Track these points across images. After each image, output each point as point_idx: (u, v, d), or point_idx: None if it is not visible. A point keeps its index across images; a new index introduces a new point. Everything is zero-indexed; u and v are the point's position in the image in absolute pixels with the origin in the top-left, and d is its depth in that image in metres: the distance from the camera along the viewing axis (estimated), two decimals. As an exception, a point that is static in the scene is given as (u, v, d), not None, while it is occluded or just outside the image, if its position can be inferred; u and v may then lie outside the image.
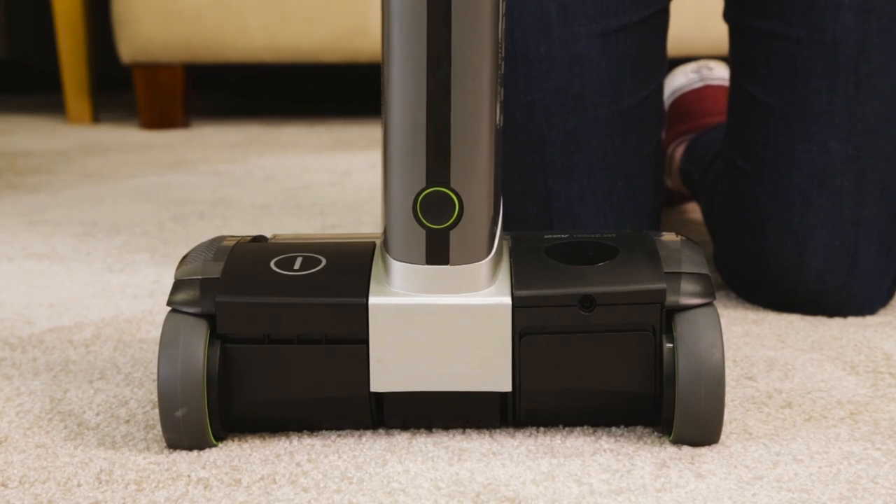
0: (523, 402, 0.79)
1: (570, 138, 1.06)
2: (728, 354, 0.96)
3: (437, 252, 0.76)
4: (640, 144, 1.10)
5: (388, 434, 0.80)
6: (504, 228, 0.80)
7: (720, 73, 1.52)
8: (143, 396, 0.88)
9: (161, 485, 0.73)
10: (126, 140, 2.29)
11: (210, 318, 0.77)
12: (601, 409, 0.80)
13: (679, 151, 1.40)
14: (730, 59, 1.15)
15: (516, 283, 0.77)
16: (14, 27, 3.04)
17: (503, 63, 0.77)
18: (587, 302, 0.77)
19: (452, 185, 0.75)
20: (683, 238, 0.82)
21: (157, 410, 0.84)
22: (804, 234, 1.06)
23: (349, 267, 0.79)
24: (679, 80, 1.52)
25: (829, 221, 1.05)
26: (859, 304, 1.07)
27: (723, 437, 0.79)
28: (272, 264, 0.79)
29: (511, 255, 0.79)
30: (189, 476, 0.74)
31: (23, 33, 3.03)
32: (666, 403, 0.78)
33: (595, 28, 1.05)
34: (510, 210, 1.05)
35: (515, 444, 0.79)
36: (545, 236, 0.82)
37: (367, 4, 2.33)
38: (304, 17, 2.33)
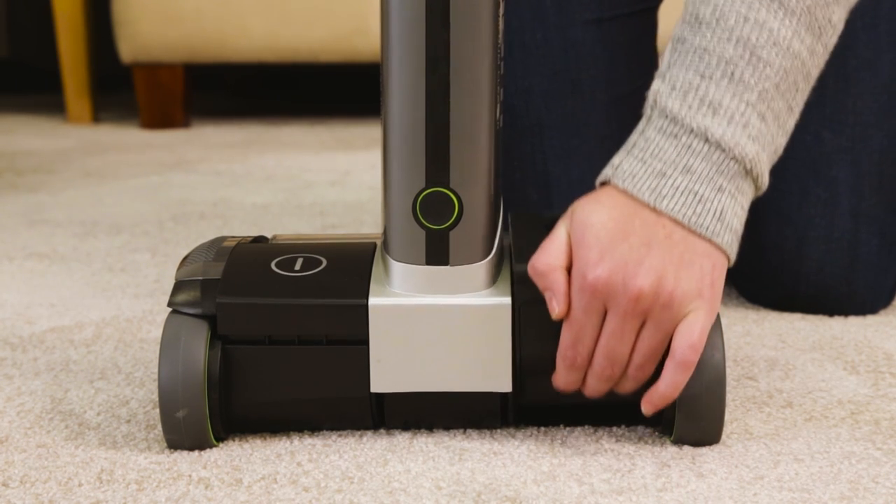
0: (524, 403, 0.79)
1: (569, 121, 1.07)
2: (729, 354, 0.96)
3: (437, 252, 0.76)
4: None
5: (388, 434, 0.80)
6: (503, 228, 0.80)
7: None
8: (144, 396, 0.88)
9: (162, 484, 0.73)
10: (126, 140, 2.29)
11: (211, 319, 0.77)
12: (602, 409, 0.80)
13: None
14: None
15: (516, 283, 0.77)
16: (15, 27, 3.04)
17: (502, 63, 0.77)
18: (587, 302, 0.76)
19: (452, 185, 0.75)
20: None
21: (157, 410, 0.84)
22: (803, 224, 1.06)
23: (349, 268, 0.79)
24: None
25: (827, 212, 1.05)
26: (861, 300, 1.07)
27: (724, 436, 0.79)
28: (273, 265, 0.79)
29: (511, 256, 0.79)
30: (190, 476, 0.74)
31: (23, 33, 3.03)
32: (666, 403, 0.78)
33: (588, 15, 1.07)
34: (510, 199, 1.05)
35: (516, 443, 0.79)
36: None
37: (367, 4, 2.33)
38: (304, 17, 2.33)
